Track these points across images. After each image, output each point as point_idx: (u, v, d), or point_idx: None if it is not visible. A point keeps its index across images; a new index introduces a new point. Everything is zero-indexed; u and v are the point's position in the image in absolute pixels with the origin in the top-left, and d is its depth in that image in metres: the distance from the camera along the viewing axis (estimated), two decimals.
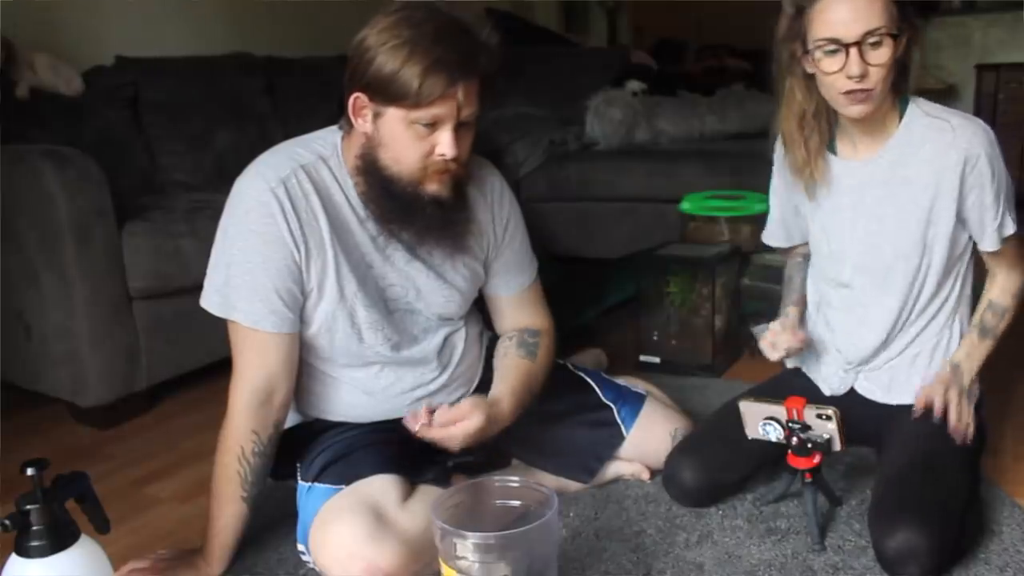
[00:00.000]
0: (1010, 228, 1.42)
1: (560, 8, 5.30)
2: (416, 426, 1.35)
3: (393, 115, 1.25)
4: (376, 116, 1.27)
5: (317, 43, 3.23)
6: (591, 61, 4.11)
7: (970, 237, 1.45)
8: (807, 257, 1.65)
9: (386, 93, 1.23)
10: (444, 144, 1.25)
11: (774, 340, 1.50)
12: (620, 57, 4.20)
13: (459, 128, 1.27)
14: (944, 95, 4.77)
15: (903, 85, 1.39)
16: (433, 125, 1.25)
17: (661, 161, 3.24)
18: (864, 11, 1.27)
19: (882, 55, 1.29)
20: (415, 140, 1.26)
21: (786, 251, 1.72)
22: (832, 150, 1.48)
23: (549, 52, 4.24)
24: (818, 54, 1.32)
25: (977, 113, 4.58)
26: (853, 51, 1.28)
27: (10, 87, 2.47)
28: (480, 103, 1.28)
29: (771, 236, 1.70)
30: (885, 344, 1.49)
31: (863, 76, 1.29)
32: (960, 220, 1.41)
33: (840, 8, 1.28)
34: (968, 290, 1.51)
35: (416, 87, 1.20)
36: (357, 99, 1.27)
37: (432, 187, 1.30)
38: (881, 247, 1.45)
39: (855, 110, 1.34)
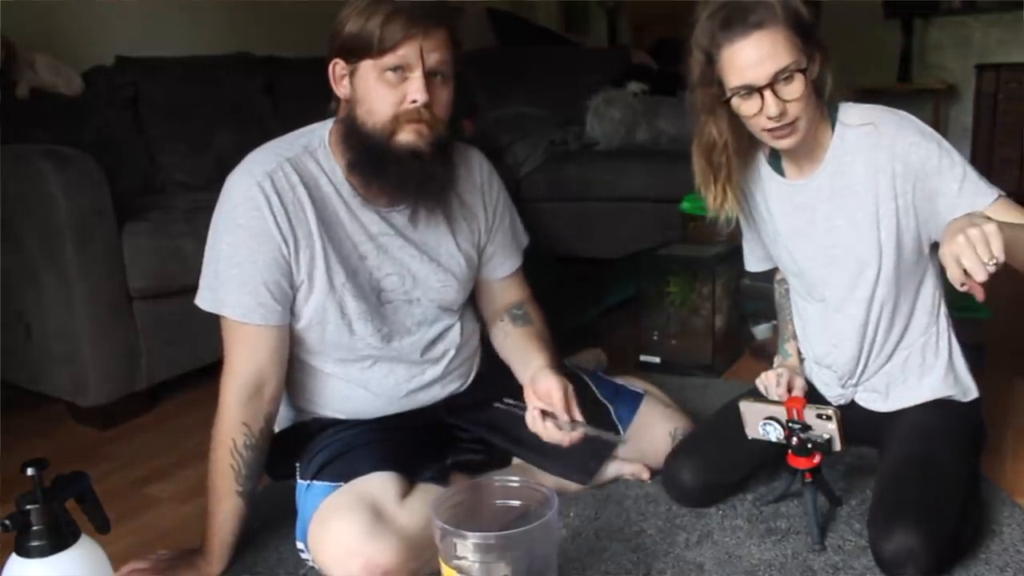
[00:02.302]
0: (983, 195, 1.32)
1: (560, 8, 5.30)
2: (567, 438, 1.37)
3: (364, 68, 1.28)
4: (351, 75, 1.30)
5: (317, 43, 3.22)
6: (591, 61, 4.11)
7: (930, 237, 1.41)
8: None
9: (355, 49, 1.28)
10: (414, 89, 1.27)
11: (767, 386, 1.51)
12: (620, 57, 4.20)
13: (432, 79, 1.29)
14: (944, 95, 4.77)
15: (824, 92, 1.38)
16: (403, 72, 1.27)
17: (661, 161, 3.24)
18: (769, 52, 1.28)
19: (795, 90, 1.29)
20: (387, 89, 1.28)
21: (770, 274, 1.72)
22: (780, 172, 1.48)
23: (549, 52, 4.24)
24: (735, 100, 1.33)
25: (977, 113, 4.58)
26: (767, 93, 1.29)
27: (10, 87, 2.47)
28: (452, 56, 1.31)
29: (751, 261, 1.70)
30: (864, 351, 1.49)
31: (782, 114, 1.30)
32: (919, 220, 1.39)
33: (745, 55, 1.29)
34: (941, 282, 1.49)
35: (379, 34, 1.25)
36: (335, 65, 1.32)
37: (406, 136, 1.30)
38: (842, 259, 1.45)
39: (784, 143, 1.36)
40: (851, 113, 1.41)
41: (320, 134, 1.38)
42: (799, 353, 1.62)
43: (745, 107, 1.33)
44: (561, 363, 1.46)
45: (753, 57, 1.28)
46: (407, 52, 1.26)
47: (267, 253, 1.31)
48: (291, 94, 3.04)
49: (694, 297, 2.30)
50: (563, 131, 3.59)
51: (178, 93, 2.79)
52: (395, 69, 1.27)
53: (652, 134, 3.53)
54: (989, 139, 4.45)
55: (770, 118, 1.31)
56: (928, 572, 1.25)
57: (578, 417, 1.36)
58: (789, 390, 1.49)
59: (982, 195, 1.34)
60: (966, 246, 1.09)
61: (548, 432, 1.37)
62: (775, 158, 1.49)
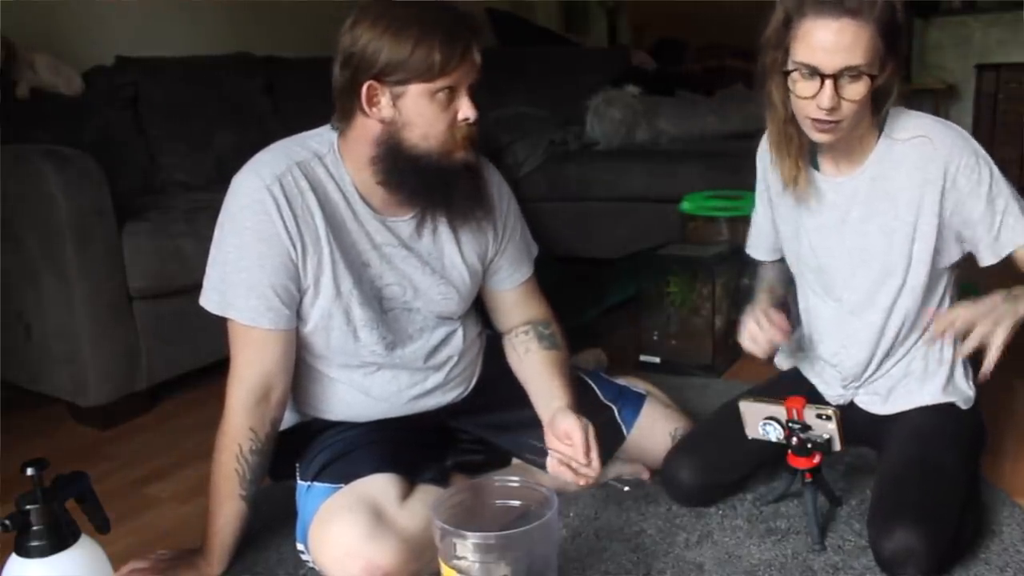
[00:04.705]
0: (1018, 235, 1.35)
1: (560, 8, 5.31)
2: (583, 480, 1.36)
3: (415, 92, 1.27)
4: (396, 98, 1.28)
5: (317, 43, 3.22)
6: (591, 61, 4.11)
7: (962, 251, 1.42)
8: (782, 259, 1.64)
9: (405, 72, 1.25)
10: (466, 108, 1.30)
11: (753, 335, 1.48)
12: (620, 57, 4.21)
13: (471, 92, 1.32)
14: (944, 95, 4.77)
15: (883, 103, 1.35)
16: (450, 92, 1.28)
17: (661, 161, 3.24)
18: (848, 45, 1.23)
19: (857, 91, 1.26)
20: (440, 111, 1.29)
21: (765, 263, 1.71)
22: (815, 166, 1.46)
23: (549, 52, 4.24)
24: (795, 75, 1.29)
25: (977, 113, 4.59)
26: (828, 83, 1.24)
27: (10, 87, 2.47)
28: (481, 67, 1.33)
29: (759, 250, 1.69)
30: (876, 358, 1.49)
31: (833, 109, 1.26)
32: (954, 236, 1.39)
33: (825, 36, 1.24)
34: (954, 299, 1.49)
35: (438, 58, 1.24)
36: (370, 87, 1.28)
37: (461, 154, 1.33)
38: (869, 263, 1.44)
39: (820, 137, 1.32)
40: (902, 123, 1.37)
41: (329, 138, 1.37)
42: (769, 294, 1.59)
43: (801, 86, 1.28)
44: (577, 398, 1.47)
45: (830, 42, 1.23)
46: (463, 71, 1.28)
47: (275, 257, 1.30)
48: (291, 94, 3.04)
49: (694, 297, 2.30)
50: (563, 131, 3.58)
51: (178, 93, 2.79)
52: (445, 90, 1.28)
53: (652, 134, 3.53)
54: (989, 139, 4.46)
55: (820, 107, 1.26)
56: (928, 572, 1.25)
57: (595, 461, 1.35)
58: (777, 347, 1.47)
59: (995, 253, 1.36)
60: (986, 321, 1.28)
61: (569, 476, 1.36)
62: (812, 150, 1.45)
